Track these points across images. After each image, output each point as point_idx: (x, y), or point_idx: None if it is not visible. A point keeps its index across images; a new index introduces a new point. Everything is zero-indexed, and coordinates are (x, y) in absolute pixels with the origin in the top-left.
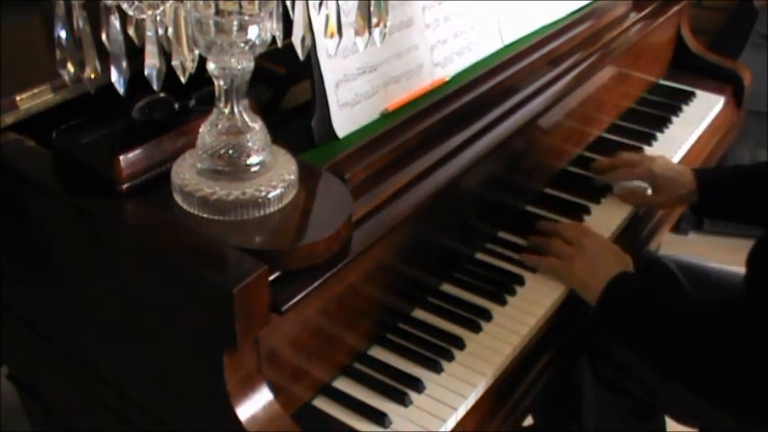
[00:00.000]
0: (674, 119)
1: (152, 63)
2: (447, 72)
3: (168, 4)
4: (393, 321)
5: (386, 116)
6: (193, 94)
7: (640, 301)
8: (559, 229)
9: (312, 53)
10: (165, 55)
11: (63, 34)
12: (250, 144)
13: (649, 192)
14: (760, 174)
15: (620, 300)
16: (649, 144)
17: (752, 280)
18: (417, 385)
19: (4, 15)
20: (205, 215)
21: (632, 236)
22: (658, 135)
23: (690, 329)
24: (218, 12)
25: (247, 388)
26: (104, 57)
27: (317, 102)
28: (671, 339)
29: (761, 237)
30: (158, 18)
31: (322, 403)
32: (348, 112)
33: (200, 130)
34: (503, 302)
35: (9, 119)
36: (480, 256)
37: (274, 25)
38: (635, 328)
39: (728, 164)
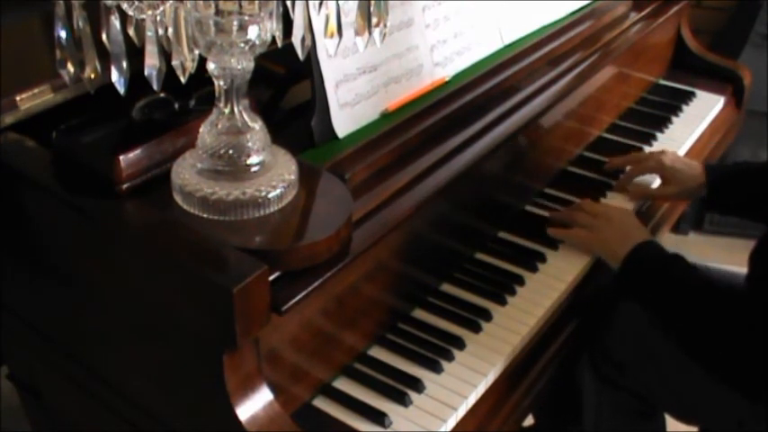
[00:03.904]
0: (674, 119)
1: (152, 63)
2: (447, 72)
3: (168, 4)
4: (393, 321)
5: (386, 116)
6: (193, 94)
7: (660, 266)
8: (583, 204)
9: (312, 53)
10: (165, 55)
11: (63, 34)
12: (250, 144)
13: (655, 184)
14: None
15: (642, 263)
16: (649, 144)
17: (753, 278)
18: (417, 385)
19: (4, 15)
20: (205, 215)
21: None
22: (658, 135)
23: (702, 301)
24: (218, 12)
25: (247, 388)
26: (104, 57)
27: (317, 102)
28: (684, 307)
29: (763, 235)
30: (158, 18)
31: (322, 403)
32: (348, 112)
33: (200, 130)
34: (503, 302)
35: (9, 119)
36: (480, 255)
37: (274, 25)
38: (653, 292)
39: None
